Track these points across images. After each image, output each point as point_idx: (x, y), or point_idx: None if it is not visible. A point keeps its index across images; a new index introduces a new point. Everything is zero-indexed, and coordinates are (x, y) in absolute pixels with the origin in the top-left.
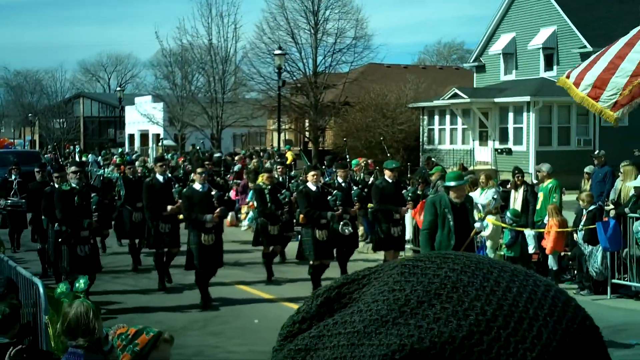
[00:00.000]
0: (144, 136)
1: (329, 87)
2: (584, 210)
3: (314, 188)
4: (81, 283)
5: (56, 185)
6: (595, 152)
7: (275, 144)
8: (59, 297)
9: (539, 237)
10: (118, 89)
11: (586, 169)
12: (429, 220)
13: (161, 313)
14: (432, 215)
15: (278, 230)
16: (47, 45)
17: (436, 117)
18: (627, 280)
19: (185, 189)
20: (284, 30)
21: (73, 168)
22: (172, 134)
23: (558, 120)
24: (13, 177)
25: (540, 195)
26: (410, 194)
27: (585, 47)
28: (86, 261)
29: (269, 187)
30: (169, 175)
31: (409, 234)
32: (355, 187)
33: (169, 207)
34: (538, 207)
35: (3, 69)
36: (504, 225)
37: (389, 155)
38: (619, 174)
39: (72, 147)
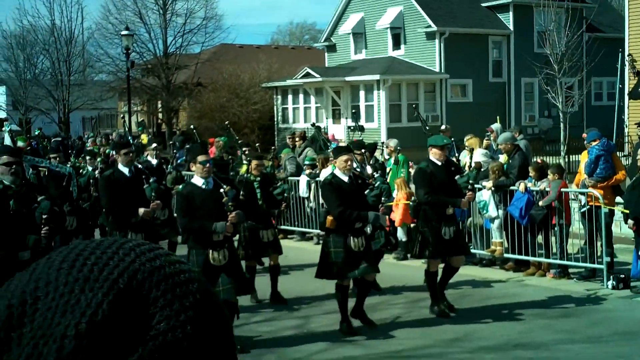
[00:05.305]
0: None
1: (181, 68)
2: None
3: (346, 179)
4: None
5: None
6: (442, 127)
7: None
8: None
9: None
10: None
11: None
12: None
13: None
14: None
15: (273, 236)
16: None
17: (290, 97)
18: (472, 248)
19: (182, 186)
20: (131, 11)
21: (4, 158)
22: (17, 118)
23: (407, 97)
24: None
25: (389, 170)
26: (471, 181)
27: (430, 26)
28: None
29: (259, 178)
30: (138, 165)
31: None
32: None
33: (141, 211)
34: (387, 180)
35: None
36: None
37: (242, 134)
38: (465, 147)
39: None
